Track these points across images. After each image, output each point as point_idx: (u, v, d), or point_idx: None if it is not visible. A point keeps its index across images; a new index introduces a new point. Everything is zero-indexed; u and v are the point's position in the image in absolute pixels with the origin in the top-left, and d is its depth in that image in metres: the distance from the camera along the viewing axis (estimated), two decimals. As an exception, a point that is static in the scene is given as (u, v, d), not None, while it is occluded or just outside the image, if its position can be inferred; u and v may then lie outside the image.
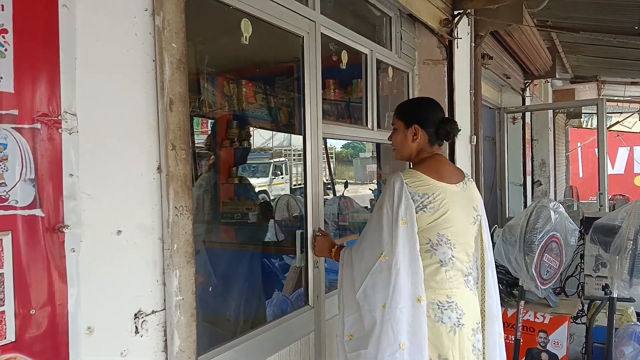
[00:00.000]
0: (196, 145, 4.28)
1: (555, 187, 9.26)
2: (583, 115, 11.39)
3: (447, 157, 3.49)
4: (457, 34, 3.49)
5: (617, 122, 11.07)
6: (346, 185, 5.79)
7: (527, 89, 6.48)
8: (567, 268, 4.24)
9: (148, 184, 1.27)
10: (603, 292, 3.57)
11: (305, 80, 2.30)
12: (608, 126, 11.50)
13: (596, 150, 14.02)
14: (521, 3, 3.82)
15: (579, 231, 3.95)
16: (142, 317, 1.23)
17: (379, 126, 3.02)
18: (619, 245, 3.36)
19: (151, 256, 1.26)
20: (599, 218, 3.82)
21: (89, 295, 1.13)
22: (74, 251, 1.08)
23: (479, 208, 1.89)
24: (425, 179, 1.73)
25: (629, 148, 14.26)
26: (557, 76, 7.29)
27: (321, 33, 2.40)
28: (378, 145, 3.78)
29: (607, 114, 11.76)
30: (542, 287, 3.51)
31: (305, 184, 2.33)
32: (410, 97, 3.44)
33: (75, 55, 1.10)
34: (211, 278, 2.64)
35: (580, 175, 14.73)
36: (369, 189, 12.30)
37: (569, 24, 5.66)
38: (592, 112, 11.59)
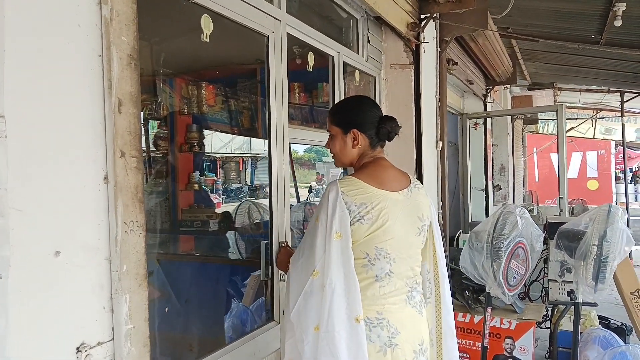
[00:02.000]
0: (151, 150, 4.09)
1: (514, 191, 9.44)
2: (540, 121, 11.68)
3: (415, 163, 3.43)
4: (424, 38, 3.44)
5: (572, 128, 11.41)
6: (310, 190, 5.66)
7: (489, 95, 6.55)
8: (531, 273, 4.25)
9: (93, 197, 1.10)
10: (568, 297, 3.58)
11: (271, 82, 2.17)
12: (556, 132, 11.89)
13: (551, 155, 14.47)
14: (486, 9, 3.81)
15: (543, 236, 3.97)
16: (86, 351, 1.06)
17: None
18: (584, 251, 3.37)
19: (97, 280, 1.10)
20: (563, 223, 3.84)
21: (21, 327, 0.96)
22: (0, 278, 0.91)
23: (426, 217, 1.74)
24: (363, 187, 1.60)
25: (582, 153, 14.76)
26: (517, 83, 7.40)
27: (287, 33, 2.28)
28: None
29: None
30: (509, 294, 3.50)
31: (270, 191, 2.19)
32: (379, 102, 3.36)
33: (3, 47, 0.93)
34: (168, 294, 2.46)
35: (536, 180, 15.18)
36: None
37: (529, 31, 5.75)
38: (549, 118, 11.93)
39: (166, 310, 2.29)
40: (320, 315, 1.52)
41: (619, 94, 8.72)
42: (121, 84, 1.15)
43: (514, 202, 9.21)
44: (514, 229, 3.46)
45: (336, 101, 2.83)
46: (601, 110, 10.58)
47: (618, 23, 4.44)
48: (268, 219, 4.04)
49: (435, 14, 3.48)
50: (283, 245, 2.10)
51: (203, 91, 3.99)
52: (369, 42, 3.19)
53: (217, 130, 4.61)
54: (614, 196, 15.23)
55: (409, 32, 3.27)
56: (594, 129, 11.74)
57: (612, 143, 15.02)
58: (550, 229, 4.31)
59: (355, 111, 1.75)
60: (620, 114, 8.89)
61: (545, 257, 4.38)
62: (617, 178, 15.71)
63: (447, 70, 4.10)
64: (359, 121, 1.71)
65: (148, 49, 3.50)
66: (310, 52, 2.59)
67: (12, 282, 0.93)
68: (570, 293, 3.55)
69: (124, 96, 1.15)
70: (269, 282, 2.17)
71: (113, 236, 1.10)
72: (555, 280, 4.09)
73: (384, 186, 1.63)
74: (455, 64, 4.25)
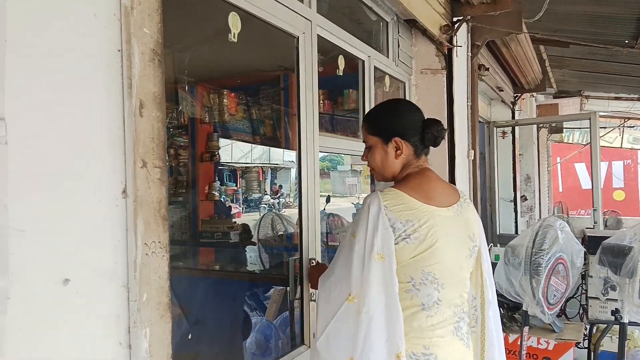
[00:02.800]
0: (172, 159, 4.00)
1: (539, 202, 9.17)
2: (565, 130, 11.37)
3: (448, 173, 3.24)
4: (457, 41, 3.26)
5: (600, 137, 11.05)
6: (328, 200, 5.48)
7: (517, 102, 6.33)
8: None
9: (109, 214, 0.94)
10: (612, 316, 3.34)
11: (301, 87, 2.01)
12: (589, 142, 11.55)
13: (575, 165, 14.13)
14: (520, 12, 3.62)
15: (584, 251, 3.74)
16: (99, 395, 0.90)
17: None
18: (631, 267, 3.14)
19: (112, 310, 0.94)
20: (604, 237, 3.61)
21: (23, 370, 0.80)
22: (-3, 312, 0.75)
23: (477, 237, 1.54)
24: (409, 202, 1.39)
25: (607, 163, 14.35)
26: (546, 90, 7.16)
27: (317, 35, 2.12)
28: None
29: (587, 129, 11.84)
30: (549, 312, 3.30)
31: (300, 203, 2.03)
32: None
33: (4, 37, 0.79)
34: (188, 315, 2.29)
35: (560, 190, 14.80)
36: (351, 202, 12.10)
37: (560, 37, 5.53)
38: (574, 127, 11.61)
39: (189, 337, 2.12)
40: (354, 347, 1.33)
41: (650, 102, 8.40)
42: (143, 83, 0.99)
43: (540, 214, 8.93)
44: (555, 244, 3.26)
45: (367, 109, 2.66)
46: (629, 119, 10.23)
47: (659, 26, 4.22)
48: (292, 231, 3.90)
49: (468, 17, 3.31)
50: (313, 263, 1.92)
51: (225, 99, 3.89)
52: (399, 46, 3.03)
53: (238, 140, 4.50)
54: (641, 207, 14.77)
55: (441, 35, 3.10)
56: (622, 138, 11.37)
57: (639, 152, 14.60)
58: (590, 243, 4.07)
59: (395, 116, 1.54)
60: (651, 122, 8.54)
61: (583, 273, 4.13)
62: (645, 189, 15.21)
63: (478, 76, 3.91)
64: (401, 127, 1.50)
65: (169, 55, 3.41)
66: (341, 56, 2.43)
67: (11, 317, 0.77)
68: (615, 312, 3.32)
69: (146, 97, 1.00)
70: (300, 301, 2.00)
71: (132, 259, 0.94)
72: (596, 298, 3.85)
73: (432, 201, 1.43)
74: (487, 69, 4.06)
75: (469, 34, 3.60)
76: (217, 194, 3.88)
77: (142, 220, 0.96)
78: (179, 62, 3.50)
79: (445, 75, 3.20)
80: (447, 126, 3.21)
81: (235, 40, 1.66)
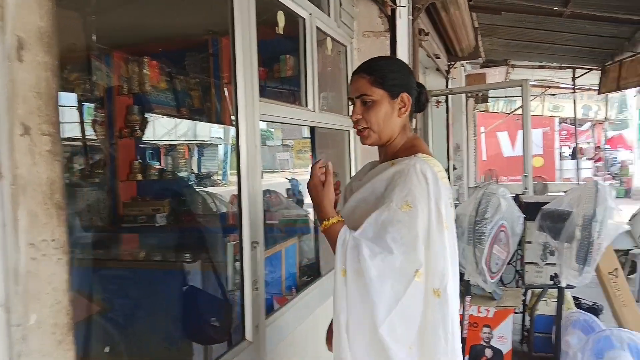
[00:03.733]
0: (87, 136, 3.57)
1: (467, 170, 9.41)
2: (490, 99, 11.69)
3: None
4: (400, 1, 3.07)
5: (521, 106, 11.48)
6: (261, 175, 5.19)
7: (450, 71, 6.30)
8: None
9: (-28, 203, 0.65)
10: (552, 281, 3.39)
11: (237, 49, 1.73)
12: (513, 110, 12.00)
13: (497, 134, 14.71)
14: (461, -27, 3.48)
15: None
16: None
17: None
18: (570, 232, 3.16)
19: (-15, 341, 0.65)
20: (541, 203, 3.63)
21: None
22: None
23: None
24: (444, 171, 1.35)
25: (528, 131, 15.02)
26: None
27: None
28: (312, 130, 3.26)
29: (511, 98, 12.29)
30: (491, 281, 3.29)
31: (239, 181, 1.77)
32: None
33: None
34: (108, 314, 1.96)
35: (484, 158, 15.41)
36: (286, 178, 11.85)
37: (494, 3, 5.50)
38: (499, 96, 11.99)
39: (106, 350, 1.80)
40: (434, 332, 1.24)
41: (570, 70, 8.74)
42: (22, 14, 0.69)
43: (467, 183, 9.17)
44: (497, 212, 3.23)
45: (309, 73, 2.41)
46: (550, 87, 10.67)
47: (589, -8, 4.25)
48: (225, 210, 3.61)
49: (411, -25, 3.11)
50: (328, 167, 1.39)
51: (145, 68, 3.47)
52: (340, 4, 2.78)
53: (162, 114, 4.08)
54: (557, 172, 15.70)
55: (385, -7, 2.89)
56: (543, 106, 11.87)
57: (556, 120, 15.42)
58: (527, 209, 4.11)
59: (403, 71, 1.42)
60: (571, 91, 8.93)
61: (520, 239, 4.19)
62: (561, 155, 16.17)
63: (419, 42, 3.76)
64: (408, 84, 1.39)
65: (79, 18, 2.99)
66: (280, 12, 2.15)
67: None
68: (554, 277, 3.36)
69: (27, 34, 0.70)
70: (240, 292, 1.76)
71: (12, 267, 0.66)
72: (533, 263, 3.91)
73: None
74: (427, 34, 3.91)
75: (410, -5, 3.42)
76: (140, 173, 3.51)
77: (25, 210, 0.67)
78: (90, 26, 3.09)
79: (388, 39, 3.00)
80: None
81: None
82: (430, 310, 1.23)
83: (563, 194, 4.65)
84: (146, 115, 3.58)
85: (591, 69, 8.36)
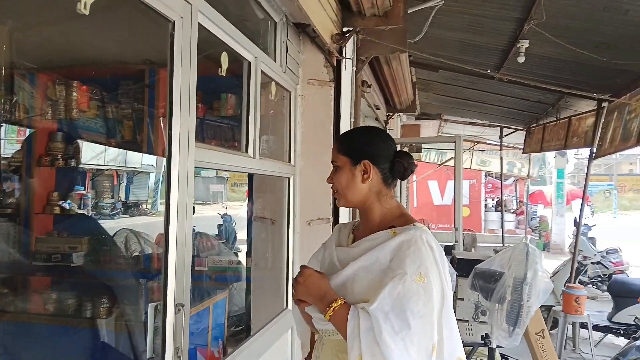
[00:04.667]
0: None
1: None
2: (423, 149, 12.11)
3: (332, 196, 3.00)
4: (346, 53, 3.06)
5: (451, 158, 11.96)
6: (192, 210, 4.94)
7: (389, 122, 6.44)
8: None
9: None
10: (483, 340, 3.39)
11: (175, 84, 1.60)
12: (444, 161, 12.49)
13: (429, 182, 15.20)
14: (406, 30, 3.55)
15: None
16: None
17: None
18: (502, 293, 3.19)
19: None
20: (475, 260, 3.68)
21: None
22: None
23: None
24: None
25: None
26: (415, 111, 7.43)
27: (198, 23, 1.72)
28: (250, 176, 3.13)
29: (443, 150, 12.80)
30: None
31: (166, 229, 1.59)
32: (294, 122, 2.90)
33: None
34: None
35: (415, 205, 15.86)
36: (218, 213, 11.47)
37: (431, 61, 5.72)
38: (431, 147, 12.46)
39: None
40: None
41: (498, 129, 9.23)
42: None
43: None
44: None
45: (251, 117, 2.31)
46: (479, 142, 11.21)
47: (522, 59, 4.49)
48: (150, 252, 3.35)
49: (358, 28, 3.13)
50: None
51: (74, 92, 3.23)
52: (287, 51, 2.73)
53: (89, 141, 3.82)
54: (483, 223, 16.39)
55: (332, 44, 2.87)
56: (471, 160, 12.44)
57: (483, 174, 16.22)
58: (459, 265, 4.16)
59: (368, 140, 1.49)
60: (498, 147, 9.40)
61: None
62: (486, 206, 16.93)
63: (361, 93, 3.77)
64: (372, 151, 1.44)
65: (5, 33, 2.76)
66: (224, 53, 2.05)
67: None
68: (485, 337, 3.36)
69: None
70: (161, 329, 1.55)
71: None
72: (464, 321, 3.92)
73: None
74: (369, 86, 3.94)
75: (355, 48, 3.44)
76: (58, 205, 3.21)
77: None
78: (17, 42, 2.86)
79: (333, 88, 2.98)
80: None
81: (87, 12, 1.20)
82: None
83: (493, 252, 4.77)
84: (73, 143, 3.32)
85: (517, 129, 8.88)
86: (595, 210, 25.25)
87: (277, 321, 2.65)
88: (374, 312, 1.23)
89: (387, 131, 6.57)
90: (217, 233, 9.36)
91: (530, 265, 3.05)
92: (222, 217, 10.50)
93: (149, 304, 1.56)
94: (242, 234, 11.56)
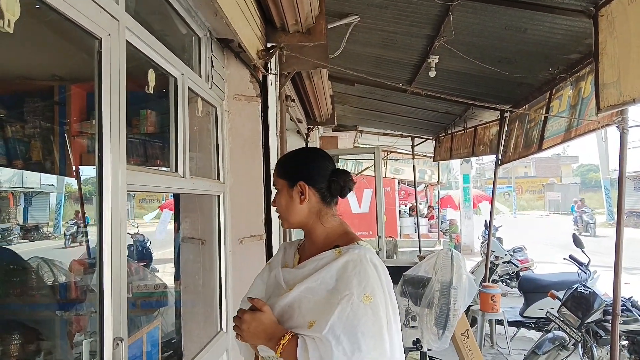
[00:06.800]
0: None
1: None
2: (340, 160, 12.36)
3: (264, 208, 2.97)
4: (271, 69, 3.06)
5: (367, 168, 12.32)
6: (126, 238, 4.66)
7: (310, 134, 6.51)
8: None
9: None
10: (414, 345, 3.50)
11: (104, 103, 1.50)
12: (361, 171, 12.83)
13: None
14: (327, 46, 3.63)
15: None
16: None
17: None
18: (430, 298, 3.32)
19: None
20: (400, 267, 3.80)
21: None
22: None
23: None
24: None
25: (372, 190, 16.18)
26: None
27: (126, 40, 1.64)
28: (177, 195, 3.01)
29: (359, 160, 13.15)
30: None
31: (100, 257, 1.49)
32: (221, 138, 2.84)
33: None
34: None
35: (333, 215, 16.08)
36: (128, 233, 10.88)
37: (347, 75, 5.88)
38: (349, 158, 12.75)
39: None
40: None
41: (410, 138, 9.66)
42: None
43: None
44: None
45: (180, 135, 2.23)
46: (392, 152, 11.65)
47: (432, 74, 4.75)
48: (66, 280, 3.11)
49: (282, 44, 3.15)
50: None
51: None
52: (212, 66, 2.67)
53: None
54: (398, 228, 17.01)
55: (258, 60, 2.85)
56: (385, 169, 12.87)
57: (396, 181, 16.85)
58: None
59: (303, 161, 1.52)
60: (410, 156, 9.82)
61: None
62: (400, 212, 17.57)
63: (285, 107, 3.78)
64: (307, 173, 1.48)
65: None
66: (151, 70, 1.96)
67: None
68: (417, 342, 3.47)
69: None
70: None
71: None
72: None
73: None
74: (293, 100, 3.97)
75: (279, 63, 3.45)
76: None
77: None
78: None
79: (260, 104, 2.96)
80: (263, 158, 2.97)
81: (11, 31, 1.10)
82: None
83: (417, 259, 4.95)
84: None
85: (427, 139, 9.35)
86: (497, 212, 27.14)
87: (212, 345, 2.56)
88: (326, 337, 1.24)
89: (309, 144, 6.65)
90: (127, 255, 8.89)
91: (456, 269, 3.22)
92: (131, 236, 9.98)
93: (84, 340, 1.43)
94: (158, 254, 11.06)
